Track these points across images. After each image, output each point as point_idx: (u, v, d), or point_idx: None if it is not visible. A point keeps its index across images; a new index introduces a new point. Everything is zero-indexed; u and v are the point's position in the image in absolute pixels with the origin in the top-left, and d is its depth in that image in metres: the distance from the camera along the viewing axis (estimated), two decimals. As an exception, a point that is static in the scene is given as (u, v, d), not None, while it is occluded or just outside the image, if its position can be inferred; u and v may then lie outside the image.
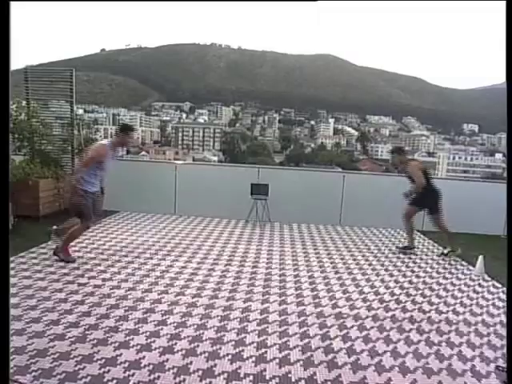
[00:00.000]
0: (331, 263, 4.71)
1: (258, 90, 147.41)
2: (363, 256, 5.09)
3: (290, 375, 2.35)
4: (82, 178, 4.05)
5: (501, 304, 3.68)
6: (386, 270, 4.57)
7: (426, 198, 5.07)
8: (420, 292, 3.90)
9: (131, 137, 4.33)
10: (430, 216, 5.31)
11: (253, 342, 2.70)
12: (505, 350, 2.69)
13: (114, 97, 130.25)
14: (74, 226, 4.23)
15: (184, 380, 2.24)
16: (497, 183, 7.57)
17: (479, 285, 4.24)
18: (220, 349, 2.60)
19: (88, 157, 4.16)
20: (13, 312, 2.89)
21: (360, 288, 3.91)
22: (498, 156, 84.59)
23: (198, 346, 2.62)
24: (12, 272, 3.73)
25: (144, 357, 2.45)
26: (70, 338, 2.62)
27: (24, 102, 6.54)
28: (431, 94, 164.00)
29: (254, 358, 2.50)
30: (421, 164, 5.30)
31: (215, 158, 73.31)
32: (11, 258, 4.08)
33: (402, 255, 5.22)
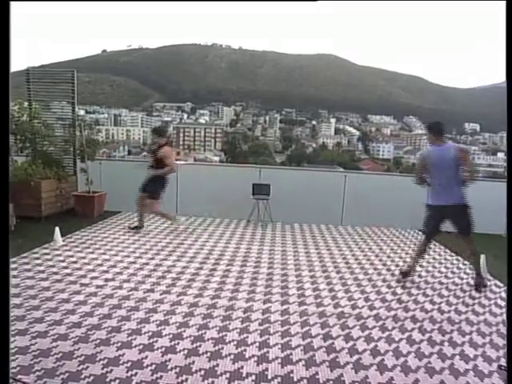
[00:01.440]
0: (333, 263, 4.71)
1: (259, 89, 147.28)
2: (365, 256, 5.09)
3: (292, 375, 2.36)
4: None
5: (503, 303, 3.68)
6: (388, 269, 4.57)
7: (155, 184, 5.49)
8: (422, 291, 3.90)
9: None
10: (148, 197, 5.58)
11: (255, 342, 2.71)
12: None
13: (116, 98, 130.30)
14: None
15: (186, 380, 2.25)
16: (498, 182, 7.54)
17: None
18: (222, 348, 2.60)
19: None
20: (16, 312, 2.91)
21: (362, 287, 3.91)
22: (500, 155, 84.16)
23: (200, 345, 2.63)
24: (15, 272, 3.75)
25: (146, 357, 2.46)
26: (72, 338, 2.63)
27: (26, 104, 6.56)
28: (432, 93, 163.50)
29: (256, 358, 2.51)
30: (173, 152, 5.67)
31: (216, 159, 73.11)
32: (14, 259, 4.10)
33: (404, 255, 5.22)
